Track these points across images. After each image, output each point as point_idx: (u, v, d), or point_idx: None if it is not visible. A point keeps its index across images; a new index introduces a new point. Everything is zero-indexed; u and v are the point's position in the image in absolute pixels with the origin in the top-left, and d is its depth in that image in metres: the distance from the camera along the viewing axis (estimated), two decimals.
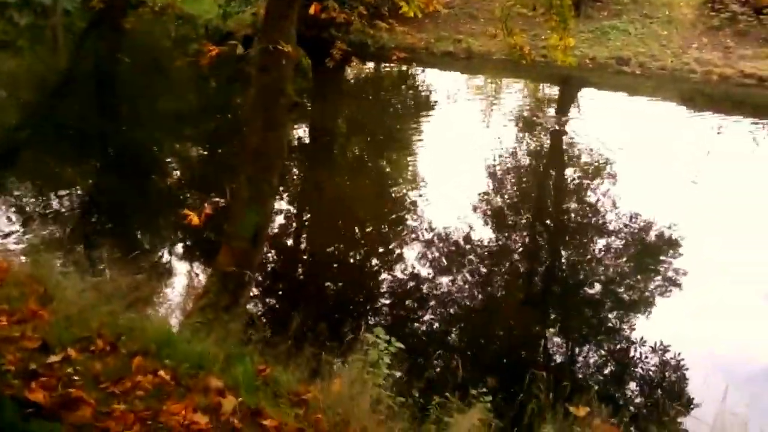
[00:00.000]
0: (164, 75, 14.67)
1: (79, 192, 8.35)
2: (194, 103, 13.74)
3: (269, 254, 6.50)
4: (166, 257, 6.55)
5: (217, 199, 6.27)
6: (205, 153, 10.39)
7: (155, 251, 6.68)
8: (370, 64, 15.59)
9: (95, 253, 6.16)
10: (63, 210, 7.71)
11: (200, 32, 18.48)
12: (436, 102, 13.27)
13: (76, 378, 2.52)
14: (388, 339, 3.92)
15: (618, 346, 5.48)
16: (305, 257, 7.02)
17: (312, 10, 6.32)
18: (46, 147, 10.42)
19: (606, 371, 5.20)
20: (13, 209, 7.63)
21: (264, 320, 4.79)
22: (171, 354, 2.92)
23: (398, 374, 3.86)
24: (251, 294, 5.00)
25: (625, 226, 7.69)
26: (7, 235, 6.54)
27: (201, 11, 17.77)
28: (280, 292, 5.99)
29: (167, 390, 2.63)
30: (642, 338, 5.47)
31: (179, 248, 6.78)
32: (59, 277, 4.33)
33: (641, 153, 9.91)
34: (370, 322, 5.46)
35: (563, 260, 7.16)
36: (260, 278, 5.81)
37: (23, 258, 5.06)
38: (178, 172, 9.34)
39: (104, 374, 2.65)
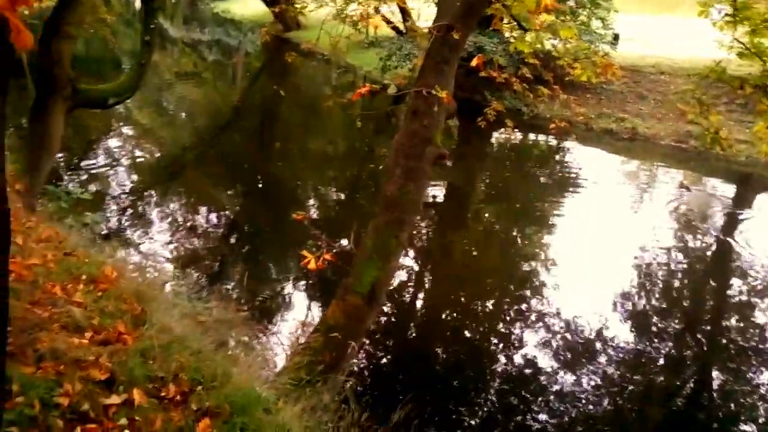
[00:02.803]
0: (320, 118, 15.36)
1: (218, 216, 8.69)
2: (341, 147, 14.13)
3: (382, 318, 5.92)
4: (277, 297, 6.25)
5: (342, 244, 5.89)
6: (342, 195, 10.43)
7: (268, 288, 6.44)
8: (519, 133, 14.92)
9: (212, 277, 6.07)
10: (199, 230, 7.97)
11: (359, 82, 19.34)
12: (585, 180, 12.13)
13: None
14: None
15: None
16: (420, 328, 6.35)
17: (474, 62, 5.90)
18: (205, 170, 11.29)
19: None
20: (158, 220, 8.01)
21: (363, 391, 4.15)
22: (245, 424, 2.38)
23: None
24: (354, 360, 4.42)
25: None
26: (139, 245, 6.75)
27: (363, 63, 18.62)
28: (387, 367, 5.31)
29: None
30: None
31: (292, 290, 6.50)
32: (169, 296, 4.12)
33: None
34: (479, 416, 4.73)
35: (714, 385, 5.98)
36: (368, 344, 5.22)
37: (140, 269, 5.00)
38: (312, 210, 9.37)
39: None
